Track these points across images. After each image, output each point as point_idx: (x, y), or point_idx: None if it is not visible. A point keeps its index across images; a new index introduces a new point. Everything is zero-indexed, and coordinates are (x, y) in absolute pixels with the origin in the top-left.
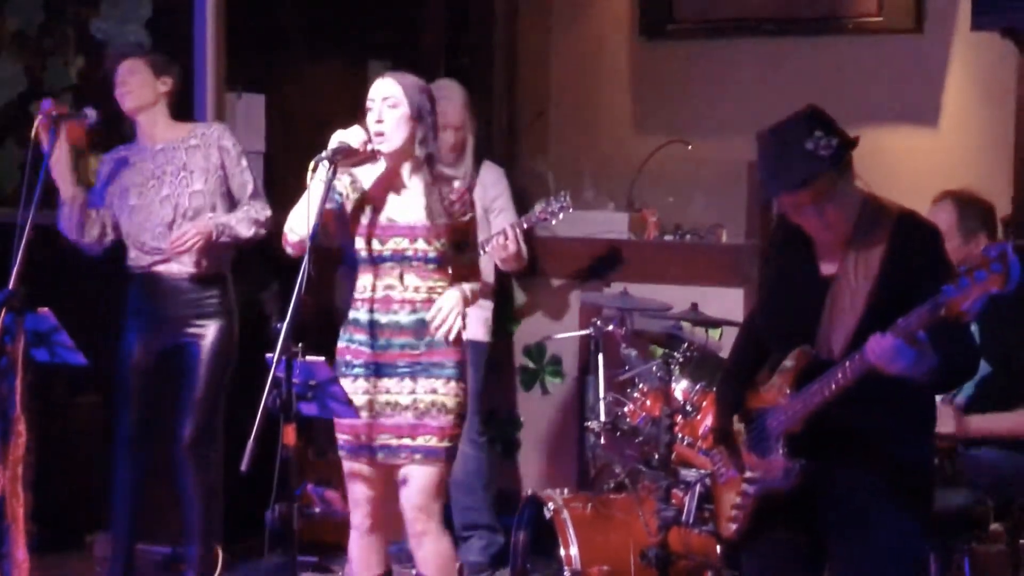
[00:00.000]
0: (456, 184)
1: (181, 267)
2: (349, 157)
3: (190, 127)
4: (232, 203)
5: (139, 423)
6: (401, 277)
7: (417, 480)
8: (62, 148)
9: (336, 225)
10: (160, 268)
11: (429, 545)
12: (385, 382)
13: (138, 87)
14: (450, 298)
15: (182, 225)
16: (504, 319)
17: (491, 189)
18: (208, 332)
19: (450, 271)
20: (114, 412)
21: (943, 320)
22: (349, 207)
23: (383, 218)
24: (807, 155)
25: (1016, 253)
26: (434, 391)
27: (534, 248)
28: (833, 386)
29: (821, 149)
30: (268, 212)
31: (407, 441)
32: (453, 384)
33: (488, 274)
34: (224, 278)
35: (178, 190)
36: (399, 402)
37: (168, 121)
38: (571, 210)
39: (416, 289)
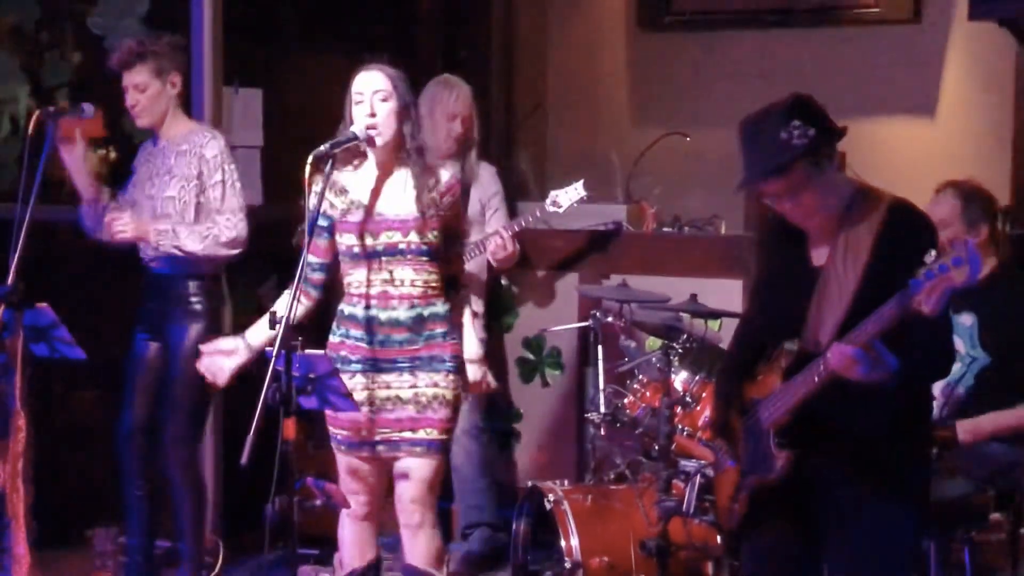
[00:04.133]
0: (444, 176)
1: (169, 262)
2: (347, 151)
3: (190, 128)
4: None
5: (136, 417)
6: (392, 271)
7: (417, 473)
8: (79, 148)
9: (329, 249)
10: (153, 264)
11: (423, 537)
12: (384, 377)
13: (150, 103)
14: (471, 350)
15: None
16: (500, 313)
17: (489, 187)
18: (189, 332)
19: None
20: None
21: (915, 317)
22: (339, 217)
23: (374, 213)
24: (780, 144)
25: (1015, 242)
26: (435, 384)
27: (532, 241)
28: (815, 380)
29: (795, 139)
30: (234, 233)
31: (408, 434)
32: (452, 377)
33: (481, 271)
34: (211, 278)
35: (158, 192)
36: (400, 396)
37: (176, 117)
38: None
39: (412, 283)
